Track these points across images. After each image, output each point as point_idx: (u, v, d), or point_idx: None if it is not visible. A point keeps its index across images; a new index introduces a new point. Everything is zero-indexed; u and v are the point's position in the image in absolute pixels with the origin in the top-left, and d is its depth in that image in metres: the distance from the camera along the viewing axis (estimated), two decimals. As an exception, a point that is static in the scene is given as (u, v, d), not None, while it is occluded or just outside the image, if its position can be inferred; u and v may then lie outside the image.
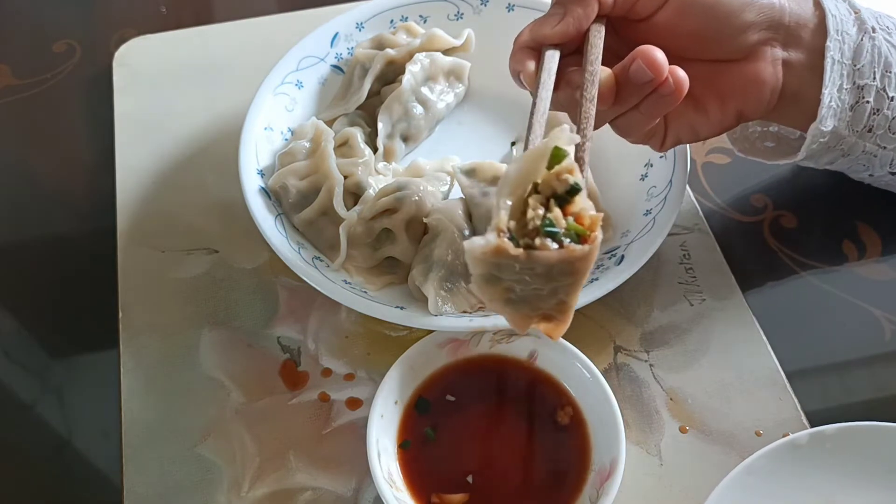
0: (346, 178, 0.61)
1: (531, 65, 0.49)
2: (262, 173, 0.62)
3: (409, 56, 0.67)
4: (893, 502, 0.50)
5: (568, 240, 0.38)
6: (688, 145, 0.61)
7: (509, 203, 0.39)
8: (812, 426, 0.55)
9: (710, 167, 0.70)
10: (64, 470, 0.56)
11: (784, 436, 0.52)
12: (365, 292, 0.58)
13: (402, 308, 0.56)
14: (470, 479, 0.52)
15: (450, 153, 0.67)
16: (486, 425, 0.54)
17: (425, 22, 0.71)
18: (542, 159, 0.39)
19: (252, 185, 0.61)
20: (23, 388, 0.59)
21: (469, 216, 0.60)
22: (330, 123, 0.66)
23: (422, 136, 0.69)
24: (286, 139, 0.66)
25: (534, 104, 0.47)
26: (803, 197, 0.67)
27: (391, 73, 0.68)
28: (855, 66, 0.53)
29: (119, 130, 0.72)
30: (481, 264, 0.39)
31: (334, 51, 0.70)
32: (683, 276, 0.63)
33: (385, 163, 0.65)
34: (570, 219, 0.39)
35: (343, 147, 0.64)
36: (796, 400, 0.56)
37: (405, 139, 0.68)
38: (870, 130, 0.55)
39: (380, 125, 0.65)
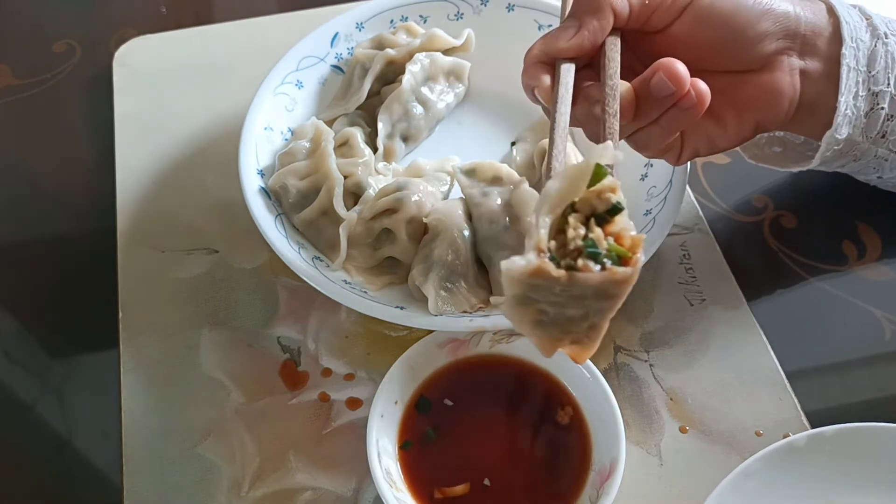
0: (346, 178, 0.61)
1: (546, 79, 0.48)
2: (262, 173, 0.62)
3: (409, 56, 0.67)
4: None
5: (609, 262, 0.36)
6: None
7: (548, 221, 0.37)
8: (812, 426, 0.55)
9: (711, 167, 0.70)
10: (64, 470, 0.56)
11: (784, 436, 0.52)
12: (365, 292, 0.58)
13: (402, 308, 0.56)
14: (470, 478, 0.52)
15: (450, 153, 0.67)
16: (487, 425, 0.54)
17: (425, 22, 0.71)
18: (583, 177, 0.38)
19: (252, 185, 0.61)
20: (23, 388, 0.59)
21: (469, 216, 0.60)
22: (330, 123, 0.66)
23: (422, 136, 0.69)
24: (286, 139, 0.66)
25: (553, 120, 0.45)
26: (803, 197, 0.67)
27: (391, 73, 0.68)
28: (870, 72, 0.52)
29: (119, 130, 0.72)
30: (518, 285, 0.37)
31: (334, 51, 0.70)
32: (683, 276, 0.63)
33: (385, 163, 0.65)
34: (611, 239, 0.37)
35: (343, 147, 0.64)
36: (796, 400, 0.56)
37: (405, 139, 0.68)
38: (883, 136, 0.54)
39: (380, 125, 0.65)
